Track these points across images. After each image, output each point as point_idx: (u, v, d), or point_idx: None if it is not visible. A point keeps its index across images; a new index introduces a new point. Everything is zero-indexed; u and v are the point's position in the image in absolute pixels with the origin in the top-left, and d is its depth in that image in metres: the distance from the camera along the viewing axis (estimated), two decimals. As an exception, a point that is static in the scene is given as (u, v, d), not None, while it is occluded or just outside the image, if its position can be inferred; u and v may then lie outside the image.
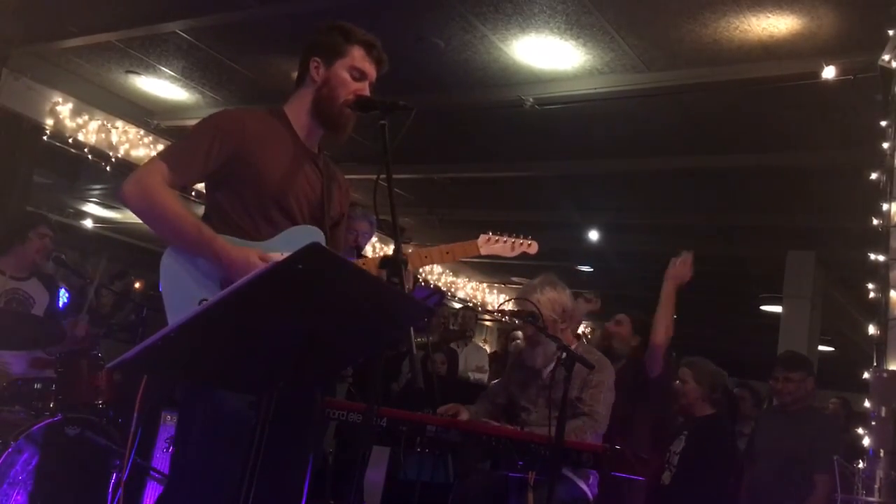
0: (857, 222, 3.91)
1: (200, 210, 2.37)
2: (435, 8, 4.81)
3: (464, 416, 3.50)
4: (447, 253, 2.53)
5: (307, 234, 2.27)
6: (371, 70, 2.38)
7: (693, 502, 4.22)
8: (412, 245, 7.93)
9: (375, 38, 2.39)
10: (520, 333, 6.43)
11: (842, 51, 4.47)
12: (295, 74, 2.46)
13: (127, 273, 8.21)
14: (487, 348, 11.22)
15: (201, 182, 2.33)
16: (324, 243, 2.30)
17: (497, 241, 2.77)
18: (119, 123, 7.23)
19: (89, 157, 7.09)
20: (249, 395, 1.73)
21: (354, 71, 2.35)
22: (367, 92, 2.36)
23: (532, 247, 2.85)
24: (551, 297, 3.54)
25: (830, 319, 9.09)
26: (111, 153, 7.16)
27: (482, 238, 2.73)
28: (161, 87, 6.85)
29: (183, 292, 2.16)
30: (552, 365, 3.41)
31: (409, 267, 2.35)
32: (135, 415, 2.90)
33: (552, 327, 3.49)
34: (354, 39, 2.36)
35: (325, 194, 2.39)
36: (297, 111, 2.39)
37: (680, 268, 4.16)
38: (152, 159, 2.27)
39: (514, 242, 2.81)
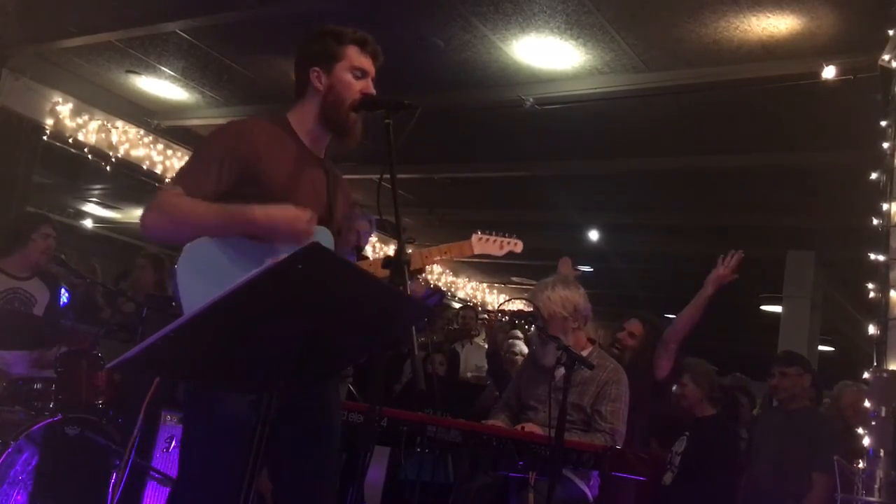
0: (857, 222, 3.91)
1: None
2: (435, 8, 4.81)
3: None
4: (445, 252, 2.64)
5: (316, 233, 2.28)
6: (369, 65, 2.38)
7: (695, 503, 4.22)
8: (414, 245, 7.92)
9: (366, 33, 2.39)
10: (518, 332, 6.43)
11: (842, 51, 4.47)
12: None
13: (128, 273, 8.19)
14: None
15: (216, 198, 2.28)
16: (332, 242, 2.31)
17: (487, 240, 2.89)
18: (119, 123, 7.23)
19: (89, 157, 7.09)
20: (250, 395, 1.73)
21: (355, 71, 2.35)
22: (371, 89, 2.36)
23: (517, 246, 2.96)
24: (563, 295, 3.52)
25: (830, 319, 9.09)
26: (111, 153, 7.16)
27: (474, 237, 2.85)
28: (161, 87, 6.85)
29: (207, 291, 2.14)
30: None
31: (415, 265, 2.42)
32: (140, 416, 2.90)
33: (562, 325, 3.47)
34: (347, 40, 2.35)
35: (331, 199, 2.39)
36: (302, 120, 2.38)
37: (724, 270, 4.07)
38: (166, 186, 2.28)
39: (502, 241, 2.92)
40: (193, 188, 2.18)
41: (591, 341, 3.68)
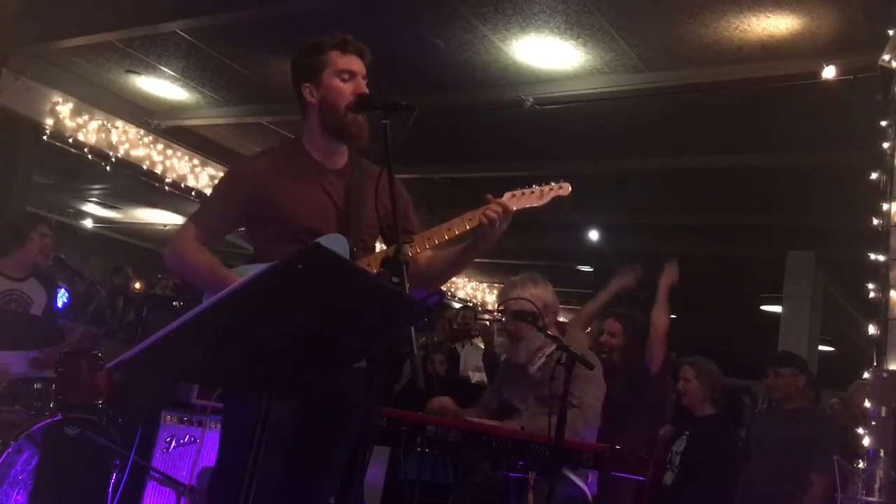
0: (857, 222, 3.91)
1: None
2: (435, 8, 4.81)
3: (451, 407, 3.54)
4: (470, 220, 2.42)
5: (328, 243, 2.28)
6: (356, 64, 2.37)
7: (695, 502, 4.22)
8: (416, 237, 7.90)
9: (345, 35, 2.39)
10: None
11: (842, 51, 4.47)
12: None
13: (122, 269, 8.19)
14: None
15: (231, 231, 2.48)
16: (346, 248, 2.32)
17: (523, 194, 2.56)
18: (119, 123, 7.23)
19: (89, 157, 7.09)
20: (249, 395, 1.73)
21: (342, 74, 2.34)
22: (363, 88, 2.36)
23: (563, 188, 2.63)
24: (533, 293, 3.56)
25: (830, 319, 9.09)
26: (111, 153, 7.16)
27: (507, 195, 2.52)
28: (161, 87, 6.85)
29: None
30: (538, 361, 3.44)
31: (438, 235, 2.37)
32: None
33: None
34: (327, 47, 2.37)
35: (352, 207, 2.40)
36: (311, 136, 2.44)
37: (669, 274, 4.65)
38: (185, 222, 2.46)
39: (541, 190, 2.59)
40: (204, 225, 2.40)
41: (562, 333, 3.76)
